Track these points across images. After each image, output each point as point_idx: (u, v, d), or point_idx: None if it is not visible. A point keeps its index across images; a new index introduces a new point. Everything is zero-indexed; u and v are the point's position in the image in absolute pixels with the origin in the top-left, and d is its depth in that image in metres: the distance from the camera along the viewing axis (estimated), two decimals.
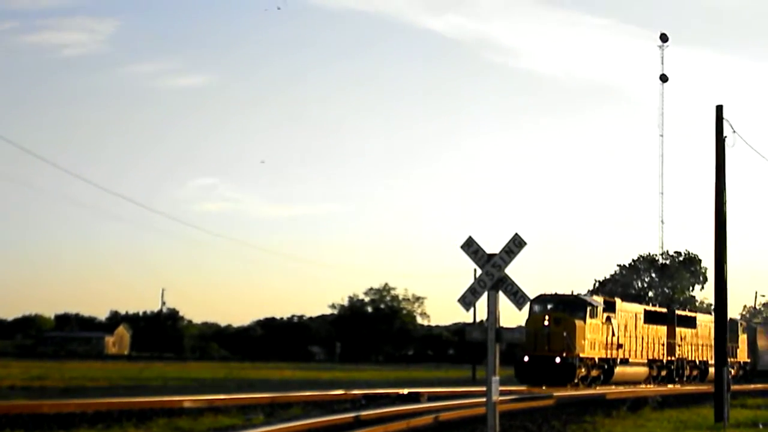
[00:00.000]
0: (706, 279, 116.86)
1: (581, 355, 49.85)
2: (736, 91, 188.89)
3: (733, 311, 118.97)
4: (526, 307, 44.15)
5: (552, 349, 48.91)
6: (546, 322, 49.61)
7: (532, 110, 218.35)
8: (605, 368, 53.08)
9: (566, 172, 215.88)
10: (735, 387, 57.71)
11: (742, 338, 73.44)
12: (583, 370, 50.34)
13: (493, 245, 14.68)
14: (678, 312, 65.32)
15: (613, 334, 53.38)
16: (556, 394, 36.49)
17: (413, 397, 34.26)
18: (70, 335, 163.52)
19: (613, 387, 51.73)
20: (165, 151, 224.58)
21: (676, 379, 61.89)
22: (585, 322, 50.51)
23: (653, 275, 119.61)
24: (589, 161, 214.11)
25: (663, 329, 60.86)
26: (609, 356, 53.07)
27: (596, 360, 51.76)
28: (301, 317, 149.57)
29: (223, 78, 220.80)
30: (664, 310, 64.84)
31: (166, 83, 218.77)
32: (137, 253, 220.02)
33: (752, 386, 58.38)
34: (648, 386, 54.80)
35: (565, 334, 48.47)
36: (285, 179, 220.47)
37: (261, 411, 26.62)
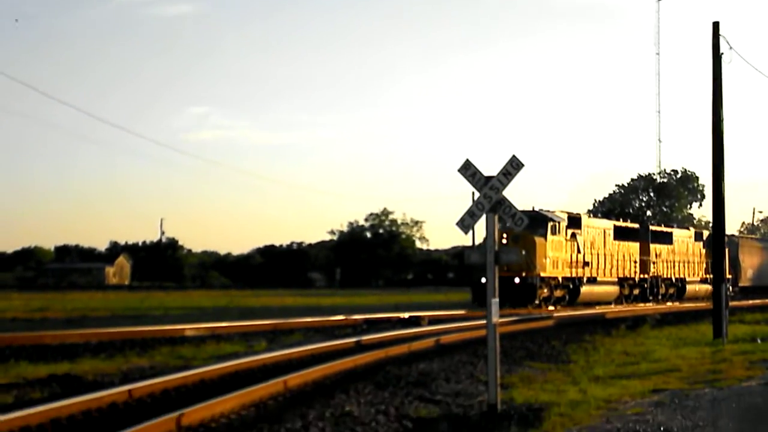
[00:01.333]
0: (703, 196, 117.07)
1: (542, 274, 47.15)
2: (733, 8, 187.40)
3: (732, 228, 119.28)
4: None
5: (510, 268, 45.04)
6: (504, 240, 45.33)
7: (528, 30, 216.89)
8: (570, 288, 50.21)
9: (563, 93, 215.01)
10: (689, 305, 57.03)
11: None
12: (545, 290, 47.86)
13: (491, 168, 14.61)
14: (652, 227, 62.42)
15: (579, 252, 50.42)
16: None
17: (414, 321, 34.46)
18: (70, 266, 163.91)
19: (595, 307, 50.80)
20: (158, 80, 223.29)
21: (650, 298, 59.18)
22: (546, 239, 47.57)
23: (651, 194, 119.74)
24: (586, 81, 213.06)
25: (635, 246, 57.97)
26: (574, 275, 50.12)
27: (560, 279, 48.87)
28: (300, 244, 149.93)
29: (212, 6, 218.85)
30: (636, 225, 61.84)
31: (155, 11, 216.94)
32: (135, 183, 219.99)
33: (749, 302, 58.41)
34: (618, 306, 52.10)
35: (524, 252, 44.20)
36: (279, 106, 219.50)
37: (263, 338, 26.79)
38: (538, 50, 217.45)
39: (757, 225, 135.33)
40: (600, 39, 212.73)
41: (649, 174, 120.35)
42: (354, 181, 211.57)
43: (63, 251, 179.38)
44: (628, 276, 56.95)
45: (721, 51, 29.86)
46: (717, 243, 31.08)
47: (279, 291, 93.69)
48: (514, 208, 14.68)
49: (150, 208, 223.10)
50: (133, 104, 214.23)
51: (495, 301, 14.38)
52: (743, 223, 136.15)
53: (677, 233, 65.33)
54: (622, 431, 12.27)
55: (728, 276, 69.75)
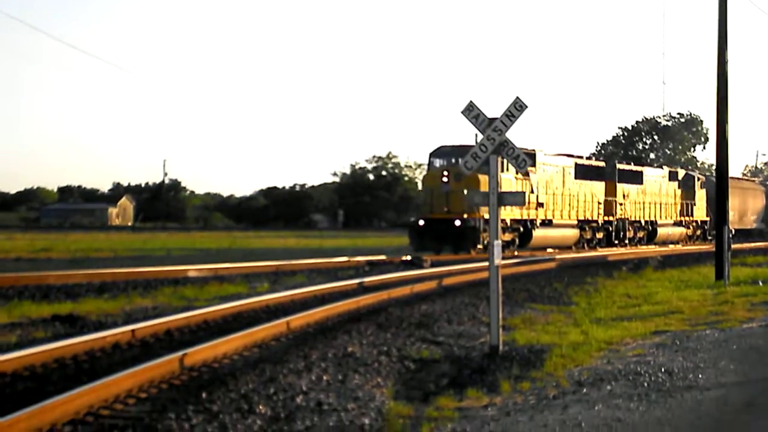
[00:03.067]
0: (707, 140, 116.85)
1: (487, 216, 43.55)
2: None
3: (735, 171, 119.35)
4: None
5: (451, 210, 42.00)
6: (445, 179, 42.46)
7: None
8: (521, 231, 45.58)
9: (566, 35, 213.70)
10: (691, 248, 55.22)
11: (700, 194, 66.60)
12: None
13: (494, 111, 14.49)
14: (619, 166, 57.15)
15: (532, 192, 45.54)
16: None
17: (416, 263, 34.52)
18: (73, 207, 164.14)
19: (601, 250, 50.24)
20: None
21: (616, 242, 54.75)
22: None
23: (655, 137, 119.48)
24: (590, 23, 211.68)
25: (600, 185, 53.11)
26: (525, 217, 45.40)
27: (508, 222, 43.89)
28: (303, 186, 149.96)
29: None
30: (602, 164, 56.98)
31: None
32: (139, 123, 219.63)
33: (752, 245, 58.18)
34: (578, 251, 48.34)
35: (466, 191, 39.81)
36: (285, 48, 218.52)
37: (265, 279, 26.87)
38: None
39: (761, 168, 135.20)
40: None
41: (653, 117, 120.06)
42: (358, 124, 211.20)
43: (66, 192, 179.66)
44: (591, 218, 52.31)
45: None
46: (720, 185, 31.00)
47: (281, 232, 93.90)
48: (517, 149, 14.63)
49: (153, 149, 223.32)
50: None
51: (498, 243, 14.38)
52: (746, 165, 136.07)
53: (648, 172, 61.10)
54: (623, 372, 12.32)
55: (706, 218, 67.11)
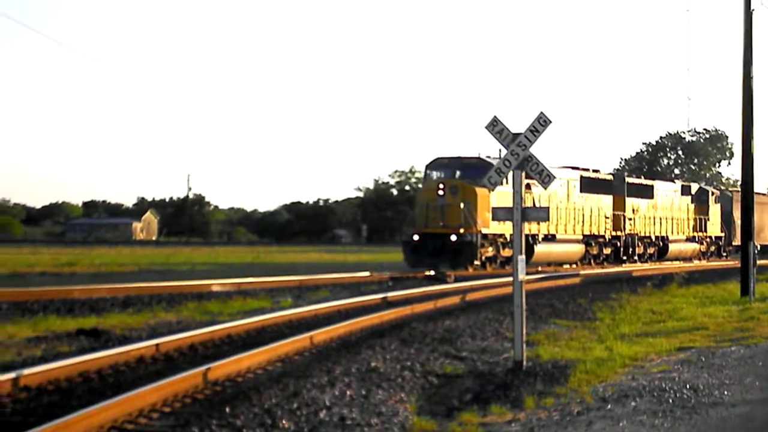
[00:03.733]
0: (732, 155, 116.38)
1: (485, 230, 40.45)
2: None
3: (761, 186, 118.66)
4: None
5: (448, 224, 40.01)
6: (441, 192, 40.59)
7: None
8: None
9: (592, 50, 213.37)
10: (715, 264, 53.60)
11: (714, 209, 63.81)
12: (489, 249, 41.49)
13: (518, 126, 14.45)
14: (629, 179, 55.32)
15: (534, 205, 41.22)
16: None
17: (440, 278, 34.47)
18: (98, 222, 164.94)
19: (619, 266, 48.99)
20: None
21: (625, 258, 52.60)
22: (490, 190, 39.25)
23: (679, 152, 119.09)
24: (615, 38, 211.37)
25: (607, 199, 50.74)
26: (527, 232, 42.01)
27: (507, 237, 40.95)
28: (326, 200, 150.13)
29: None
30: (609, 177, 54.01)
31: None
32: (163, 139, 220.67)
33: None
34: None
35: (462, 205, 39.42)
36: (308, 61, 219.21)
37: (289, 294, 26.89)
38: (566, 6, 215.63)
39: None
40: None
41: (678, 132, 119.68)
42: (382, 139, 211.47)
43: (91, 206, 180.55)
44: (597, 233, 50.09)
45: (752, 7, 29.50)
46: (746, 201, 30.82)
47: (305, 247, 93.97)
48: (541, 164, 14.60)
49: (177, 164, 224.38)
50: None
51: (521, 258, 14.36)
52: None
53: (660, 186, 59.19)
54: (648, 389, 12.26)
55: (720, 234, 65.14)
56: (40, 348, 15.51)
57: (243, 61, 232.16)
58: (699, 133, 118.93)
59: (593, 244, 49.84)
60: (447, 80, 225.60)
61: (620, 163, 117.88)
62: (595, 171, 52.51)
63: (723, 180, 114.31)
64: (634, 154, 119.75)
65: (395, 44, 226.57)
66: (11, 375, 11.48)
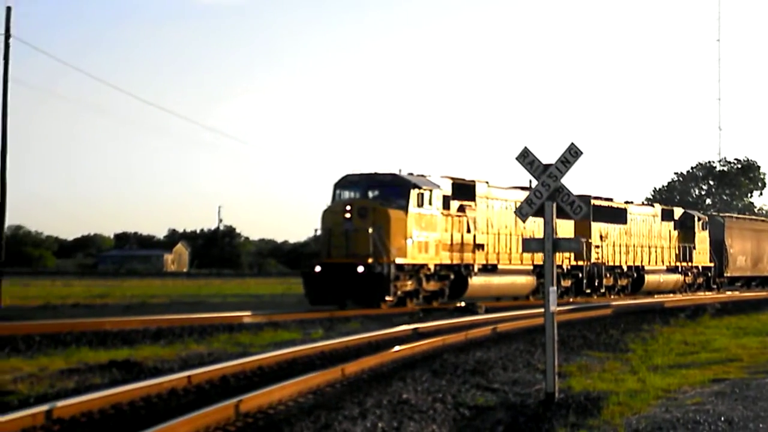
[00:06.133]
0: (765, 185, 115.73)
1: (400, 260, 33.82)
2: None
3: None
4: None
5: (354, 252, 33.53)
6: (347, 215, 33.97)
7: (586, 12, 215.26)
8: (451, 279, 37.01)
9: (621, 80, 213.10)
10: (748, 294, 50.45)
11: (701, 237, 58.08)
12: (408, 282, 34.56)
13: (548, 156, 14.34)
14: (595, 202, 47.31)
15: (468, 231, 37.64)
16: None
17: (471, 309, 34.38)
18: (129, 253, 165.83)
19: (627, 298, 47.80)
20: (211, 68, 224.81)
21: (588, 291, 46.33)
22: (407, 212, 34.33)
23: (711, 182, 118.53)
24: (645, 68, 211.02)
25: (568, 225, 43.18)
26: (458, 262, 36.97)
27: (431, 268, 35.64)
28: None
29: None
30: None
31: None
32: (193, 171, 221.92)
33: None
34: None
35: (371, 230, 33.28)
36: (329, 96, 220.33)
37: (320, 326, 26.88)
38: (596, 34, 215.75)
39: None
40: (660, 25, 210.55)
41: (709, 162, 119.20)
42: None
43: (122, 238, 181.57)
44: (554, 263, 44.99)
45: None
46: None
47: None
48: (572, 195, 14.58)
49: (208, 196, 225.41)
50: (192, 93, 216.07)
51: (553, 290, 14.31)
52: None
53: (635, 210, 52.65)
54: (681, 421, 12.15)
55: (708, 264, 58.32)
56: (72, 380, 15.57)
57: (269, 93, 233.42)
58: (730, 162, 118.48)
59: None
60: (478, 110, 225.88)
61: (651, 193, 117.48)
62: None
63: (756, 210, 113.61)
64: (665, 185, 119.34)
65: (421, 73, 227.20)
66: (45, 407, 11.54)
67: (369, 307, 32.82)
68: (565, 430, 11.85)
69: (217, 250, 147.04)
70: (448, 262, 36.40)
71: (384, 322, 27.87)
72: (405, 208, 34.30)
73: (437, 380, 15.83)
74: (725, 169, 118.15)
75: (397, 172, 35.79)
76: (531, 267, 41.63)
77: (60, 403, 11.82)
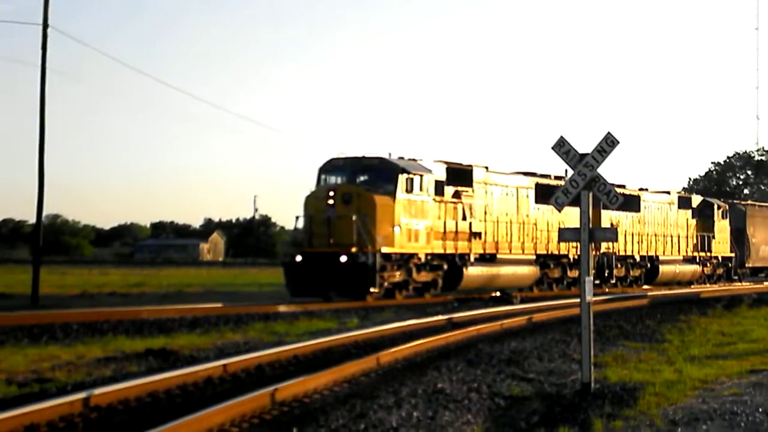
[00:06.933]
0: None
1: (387, 249, 32.21)
2: None
3: None
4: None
5: (337, 241, 31.94)
6: (330, 201, 32.30)
7: (623, 4, 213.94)
8: (445, 269, 35.37)
9: (658, 70, 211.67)
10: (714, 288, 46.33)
11: (721, 226, 55.74)
12: (397, 272, 33.01)
13: (585, 144, 14.16)
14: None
15: (464, 219, 36.10)
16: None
17: (506, 299, 34.30)
18: (165, 243, 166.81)
19: (687, 288, 47.63)
20: (245, 55, 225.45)
21: (598, 282, 43.31)
22: (395, 198, 32.73)
23: (749, 172, 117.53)
24: (683, 58, 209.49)
25: (575, 212, 34.25)
26: (452, 251, 35.37)
27: (422, 257, 34.10)
28: None
29: None
30: None
31: None
32: (229, 160, 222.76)
33: None
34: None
35: (355, 217, 31.69)
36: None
37: (355, 314, 26.92)
38: (632, 24, 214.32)
39: None
40: (698, 14, 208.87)
41: (747, 151, 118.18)
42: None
43: (159, 228, 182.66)
44: (559, 253, 42.11)
45: None
46: None
47: None
48: (609, 185, 14.49)
49: (244, 186, 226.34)
50: (222, 81, 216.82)
51: (589, 279, 14.24)
52: None
53: (649, 198, 50.32)
54: (719, 412, 12.07)
55: (729, 254, 55.83)
56: (109, 368, 15.68)
57: (297, 82, 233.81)
58: None
59: (552, 266, 42.21)
60: (518, 101, 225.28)
61: (688, 183, 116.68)
62: (558, 178, 42.82)
63: None
64: (702, 174, 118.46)
65: (452, 73, 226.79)
66: (82, 394, 11.63)
67: (353, 300, 31.17)
68: (601, 421, 11.79)
69: (253, 239, 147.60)
70: (441, 251, 34.81)
71: (419, 312, 27.88)
72: (392, 194, 32.77)
73: (472, 370, 15.81)
74: (763, 158, 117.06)
75: (387, 156, 34.13)
76: (534, 256, 40.32)
77: (97, 391, 11.91)
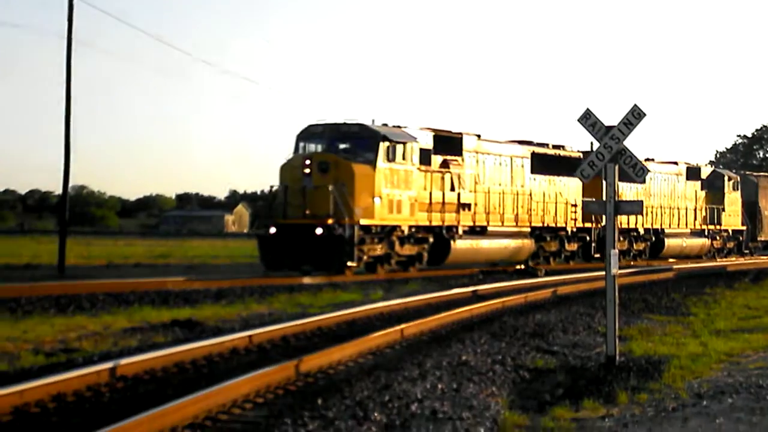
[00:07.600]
0: None
1: (366, 221, 30.63)
2: None
3: None
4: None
5: (313, 212, 30.25)
6: (307, 170, 30.63)
7: None
8: (431, 242, 33.79)
9: (683, 41, 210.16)
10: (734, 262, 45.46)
11: (731, 198, 53.70)
12: (378, 246, 31.51)
13: (611, 116, 14.03)
14: None
15: (452, 189, 34.37)
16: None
17: (531, 272, 34.28)
18: (190, 214, 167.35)
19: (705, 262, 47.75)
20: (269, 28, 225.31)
21: (597, 256, 41.74)
22: (375, 167, 31.09)
23: None
24: (709, 29, 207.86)
25: (575, 183, 40.19)
26: (440, 223, 33.65)
27: (404, 230, 32.34)
28: None
29: None
30: (578, 154, 41.51)
31: None
32: (254, 132, 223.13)
33: None
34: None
35: (331, 187, 30.00)
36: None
37: (379, 287, 26.96)
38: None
39: None
40: None
41: None
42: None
43: (184, 199, 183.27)
44: (556, 225, 40.45)
45: None
46: None
47: None
48: (635, 157, 14.41)
49: (268, 157, 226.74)
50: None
51: (615, 252, 14.20)
52: None
53: (655, 168, 47.36)
54: (744, 385, 12.03)
55: (740, 227, 53.97)
56: (135, 338, 15.78)
57: (328, 55, 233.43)
58: None
59: (549, 239, 40.50)
60: (546, 71, 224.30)
61: (715, 156, 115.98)
62: (557, 147, 41.64)
63: None
64: (729, 147, 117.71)
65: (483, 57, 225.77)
66: (109, 364, 11.70)
67: (330, 274, 29.77)
68: (626, 394, 11.77)
69: None
70: (426, 223, 33.12)
71: (443, 284, 27.90)
72: (373, 163, 31.08)
73: (496, 342, 15.81)
74: None
75: (369, 123, 32.28)
76: (529, 229, 38.59)
77: (123, 361, 11.98)
